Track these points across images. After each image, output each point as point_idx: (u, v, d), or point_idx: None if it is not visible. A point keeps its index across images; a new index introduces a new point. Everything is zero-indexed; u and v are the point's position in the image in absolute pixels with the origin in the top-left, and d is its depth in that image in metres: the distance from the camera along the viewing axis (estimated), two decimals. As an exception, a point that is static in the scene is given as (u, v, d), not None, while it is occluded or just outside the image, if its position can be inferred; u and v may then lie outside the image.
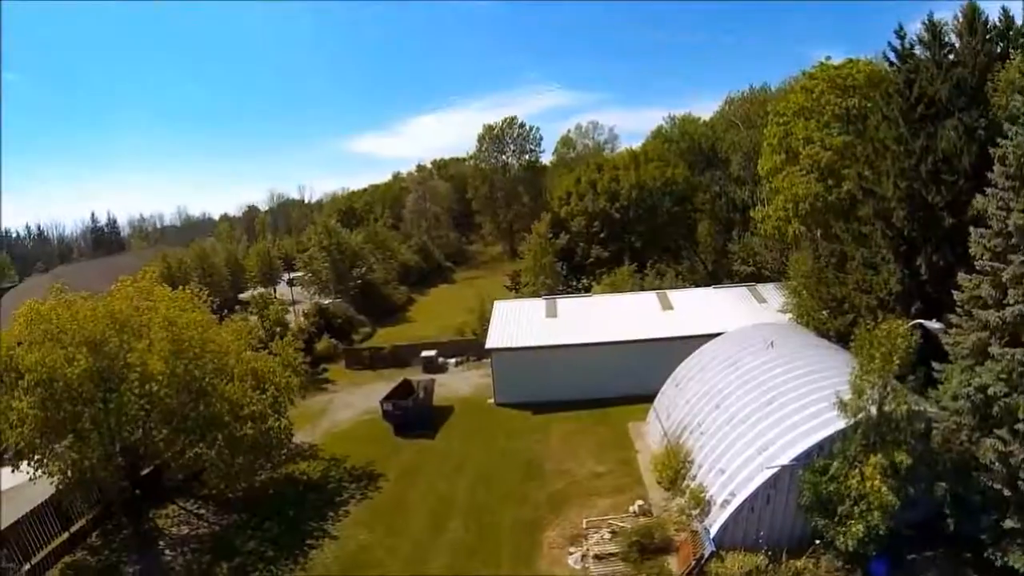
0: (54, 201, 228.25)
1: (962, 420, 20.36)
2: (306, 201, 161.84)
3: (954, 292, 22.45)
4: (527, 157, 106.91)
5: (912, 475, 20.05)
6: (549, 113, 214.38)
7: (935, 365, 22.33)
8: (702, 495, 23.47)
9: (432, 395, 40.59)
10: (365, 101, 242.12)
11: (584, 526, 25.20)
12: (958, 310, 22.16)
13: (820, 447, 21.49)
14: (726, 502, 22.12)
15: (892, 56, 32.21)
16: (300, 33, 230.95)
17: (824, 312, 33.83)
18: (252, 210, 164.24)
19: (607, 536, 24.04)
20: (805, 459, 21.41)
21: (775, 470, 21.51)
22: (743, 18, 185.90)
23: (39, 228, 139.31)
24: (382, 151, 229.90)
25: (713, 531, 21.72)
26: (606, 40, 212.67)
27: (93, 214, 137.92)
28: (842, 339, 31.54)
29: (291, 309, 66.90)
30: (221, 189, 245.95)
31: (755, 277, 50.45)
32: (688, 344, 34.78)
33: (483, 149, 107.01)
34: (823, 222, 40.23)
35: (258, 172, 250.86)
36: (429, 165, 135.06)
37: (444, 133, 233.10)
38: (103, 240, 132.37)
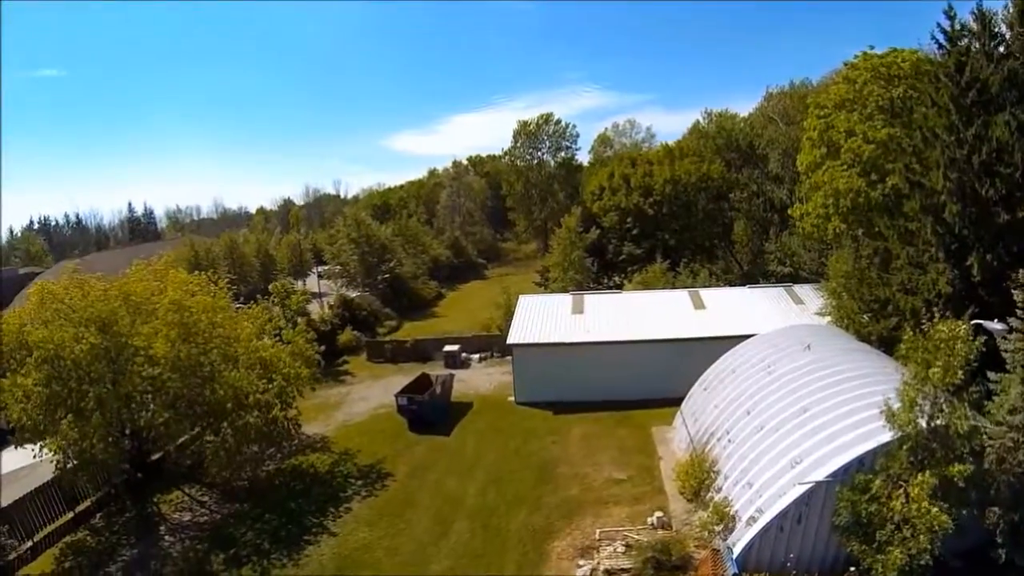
0: (93, 192, 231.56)
1: (1020, 438, 17.95)
2: (341, 196, 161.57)
3: (1013, 291, 19.88)
4: (563, 154, 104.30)
5: (964, 497, 17.81)
6: (588, 114, 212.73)
7: (990, 375, 20.00)
8: (727, 510, 21.15)
9: (450, 391, 39.08)
10: (405, 99, 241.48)
11: (597, 537, 23.20)
12: (1018, 312, 19.65)
13: (861, 462, 19.12)
14: (753, 519, 19.83)
15: (941, 38, 29.69)
16: (341, 29, 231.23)
17: (865, 316, 31.35)
18: (287, 203, 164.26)
19: (620, 549, 21.97)
20: (843, 475, 19.01)
21: (809, 486, 19.19)
22: (779, 17, 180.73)
23: (77, 217, 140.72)
24: (421, 149, 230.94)
25: (737, 551, 19.42)
26: (645, 41, 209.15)
27: (130, 204, 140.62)
28: (885, 344, 29.16)
29: (319, 301, 66.31)
30: (260, 183, 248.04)
31: (792, 278, 47.67)
32: (720, 345, 32.51)
33: (518, 145, 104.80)
34: (865, 219, 37.70)
35: (297, 168, 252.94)
36: (465, 162, 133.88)
37: (483, 132, 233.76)
38: (139, 230, 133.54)
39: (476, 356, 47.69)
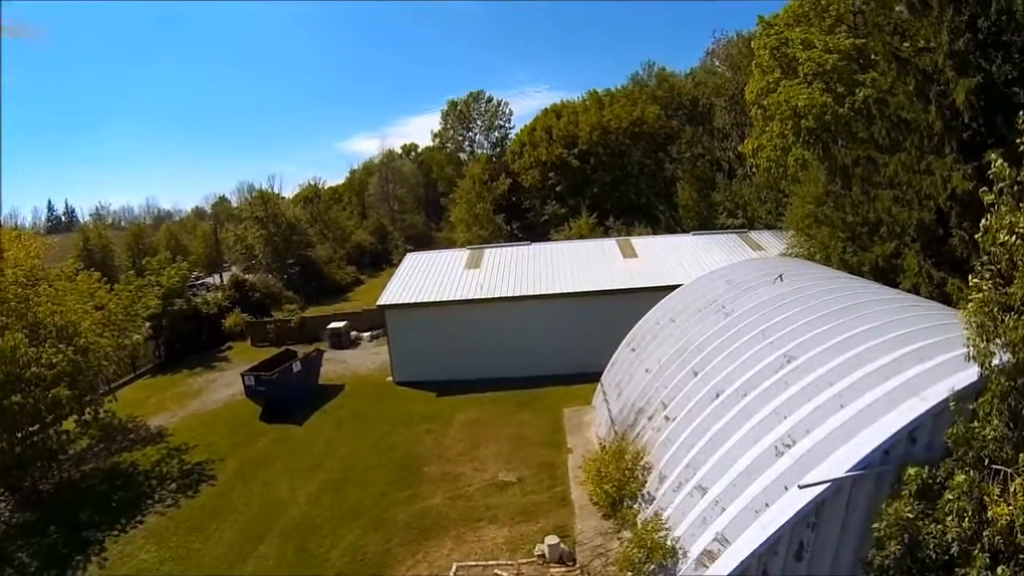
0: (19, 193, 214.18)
1: None
2: (277, 192, 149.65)
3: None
4: (496, 133, 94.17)
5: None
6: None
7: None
8: (661, 536, 11.20)
9: (317, 370, 29.80)
10: (359, 101, 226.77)
11: (452, 574, 13.52)
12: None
13: (911, 436, 9.53)
14: (710, 555, 9.99)
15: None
16: (292, 32, 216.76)
17: (847, 245, 22.17)
18: (222, 201, 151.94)
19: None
20: (881, 463, 9.40)
21: (820, 490, 9.41)
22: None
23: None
24: (376, 151, 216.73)
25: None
26: (594, 40, 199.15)
27: (50, 202, 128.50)
28: (882, 275, 20.08)
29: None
30: (205, 190, 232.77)
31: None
32: (656, 298, 22.85)
33: (448, 127, 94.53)
34: (833, 141, 28.85)
35: (248, 172, 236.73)
36: (399, 149, 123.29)
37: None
38: (58, 229, 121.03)
39: (367, 334, 37.99)
